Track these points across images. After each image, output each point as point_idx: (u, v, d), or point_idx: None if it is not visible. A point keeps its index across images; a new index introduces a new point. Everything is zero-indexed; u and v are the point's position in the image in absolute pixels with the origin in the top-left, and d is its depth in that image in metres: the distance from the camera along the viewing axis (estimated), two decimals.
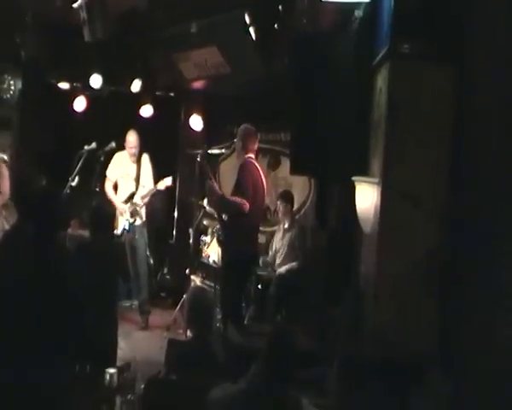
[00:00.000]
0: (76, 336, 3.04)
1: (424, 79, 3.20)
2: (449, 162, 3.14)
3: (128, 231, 6.37)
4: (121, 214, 6.43)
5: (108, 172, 6.61)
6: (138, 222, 6.52)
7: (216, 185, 5.57)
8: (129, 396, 3.28)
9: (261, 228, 6.00)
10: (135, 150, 6.52)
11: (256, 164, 5.36)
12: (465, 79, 3.08)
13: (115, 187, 6.66)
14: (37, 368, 2.87)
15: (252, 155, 5.36)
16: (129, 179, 6.57)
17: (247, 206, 5.06)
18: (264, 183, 5.40)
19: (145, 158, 6.61)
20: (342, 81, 3.80)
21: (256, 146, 5.44)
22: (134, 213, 6.45)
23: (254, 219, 5.30)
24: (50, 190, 3.54)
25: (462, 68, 3.11)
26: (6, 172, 5.93)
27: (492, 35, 2.82)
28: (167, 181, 6.42)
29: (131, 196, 6.49)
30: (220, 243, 6.22)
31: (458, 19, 3.13)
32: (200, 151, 6.11)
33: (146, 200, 6.52)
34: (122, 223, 6.41)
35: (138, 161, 6.57)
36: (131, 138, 6.54)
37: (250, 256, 5.43)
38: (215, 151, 6.66)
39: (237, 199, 5.13)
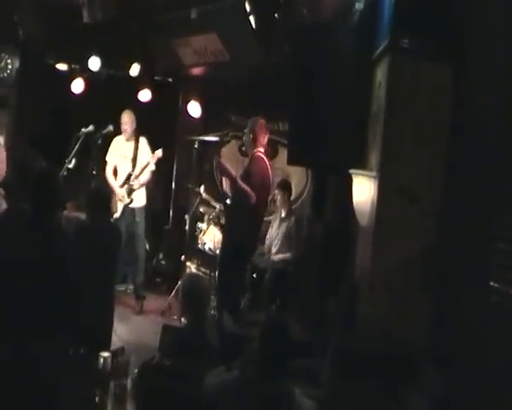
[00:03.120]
0: (71, 319, 3.06)
1: (423, 75, 3.20)
2: (446, 159, 3.15)
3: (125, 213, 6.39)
4: (120, 200, 6.43)
5: (108, 157, 6.62)
6: (139, 205, 6.51)
7: (230, 167, 5.45)
8: (122, 381, 3.31)
9: None
10: (127, 127, 6.49)
11: (265, 158, 5.33)
12: (464, 77, 3.09)
13: (115, 172, 6.66)
14: (32, 350, 2.89)
15: (262, 149, 5.32)
16: (126, 161, 6.56)
17: (253, 198, 5.07)
18: (271, 177, 5.38)
19: (143, 141, 6.59)
20: (341, 73, 3.78)
21: (266, 140, 5.40)
22: (130, 193, 6.43)
23: (258, 210, 5.29)
24: (47, 171, 3.52)
25: (461, 66, 3.12)
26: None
27: (492, 33, 2.83)
28: (158, 153, 6.35)
29: (128, 178, 6.48)
30: (221, 227, 6.24)
31: (459, 16, 3.14)
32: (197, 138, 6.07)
33: (144, 179, 6.50)
34: (121, 207, 6.42)
35: (135, 142, 6.56)
36: (125, 115, 6.53)
37: (250, 245, 5.42)
38: (212, 139, 6.66)
39: (248, 189, 5.09)
